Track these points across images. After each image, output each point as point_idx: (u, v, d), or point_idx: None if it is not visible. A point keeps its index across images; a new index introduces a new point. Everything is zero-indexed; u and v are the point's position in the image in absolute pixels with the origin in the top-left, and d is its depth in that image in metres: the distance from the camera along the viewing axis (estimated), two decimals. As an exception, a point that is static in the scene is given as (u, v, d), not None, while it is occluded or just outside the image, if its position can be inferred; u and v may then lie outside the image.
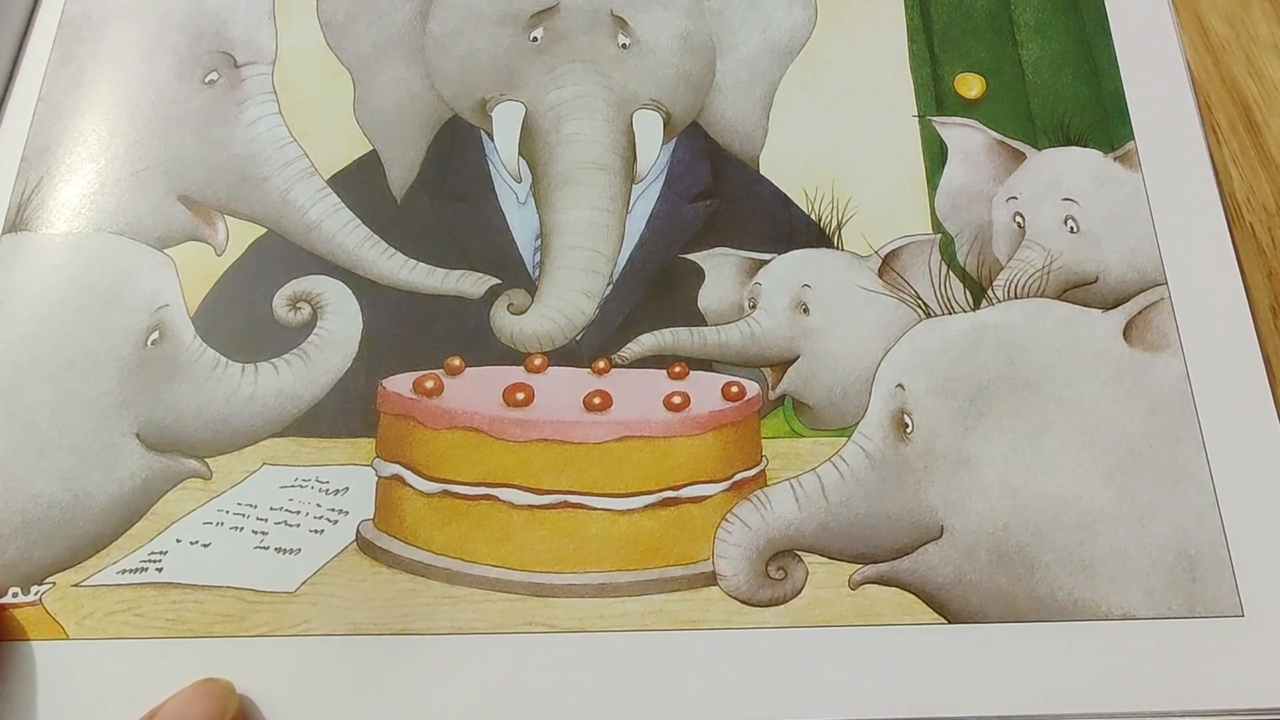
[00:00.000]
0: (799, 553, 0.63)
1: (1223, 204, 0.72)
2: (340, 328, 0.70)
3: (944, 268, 0.71)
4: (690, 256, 0.73)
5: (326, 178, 0.75)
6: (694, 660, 0.60)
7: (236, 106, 0.76)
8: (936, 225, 0.73)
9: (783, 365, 0.70)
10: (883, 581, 0.62)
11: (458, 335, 0.70)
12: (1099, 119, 0.76)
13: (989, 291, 0.70)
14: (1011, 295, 0.70)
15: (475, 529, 0.63)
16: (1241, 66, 0.77)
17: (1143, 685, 0.59)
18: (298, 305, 0.71)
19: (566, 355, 0.70)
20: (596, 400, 0.65)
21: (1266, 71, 0.77)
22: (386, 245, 0.73)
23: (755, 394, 0.68)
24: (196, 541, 0.64)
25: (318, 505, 0.65)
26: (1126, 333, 0.67)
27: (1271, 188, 0.73)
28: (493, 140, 0.76)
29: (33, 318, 0.68)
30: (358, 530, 0.64)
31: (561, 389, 0.67)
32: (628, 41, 0.77)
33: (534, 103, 0.76)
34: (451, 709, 0.59)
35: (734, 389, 0.67)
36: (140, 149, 0.75)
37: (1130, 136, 0.75)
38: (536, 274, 0.73)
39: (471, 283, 0.72)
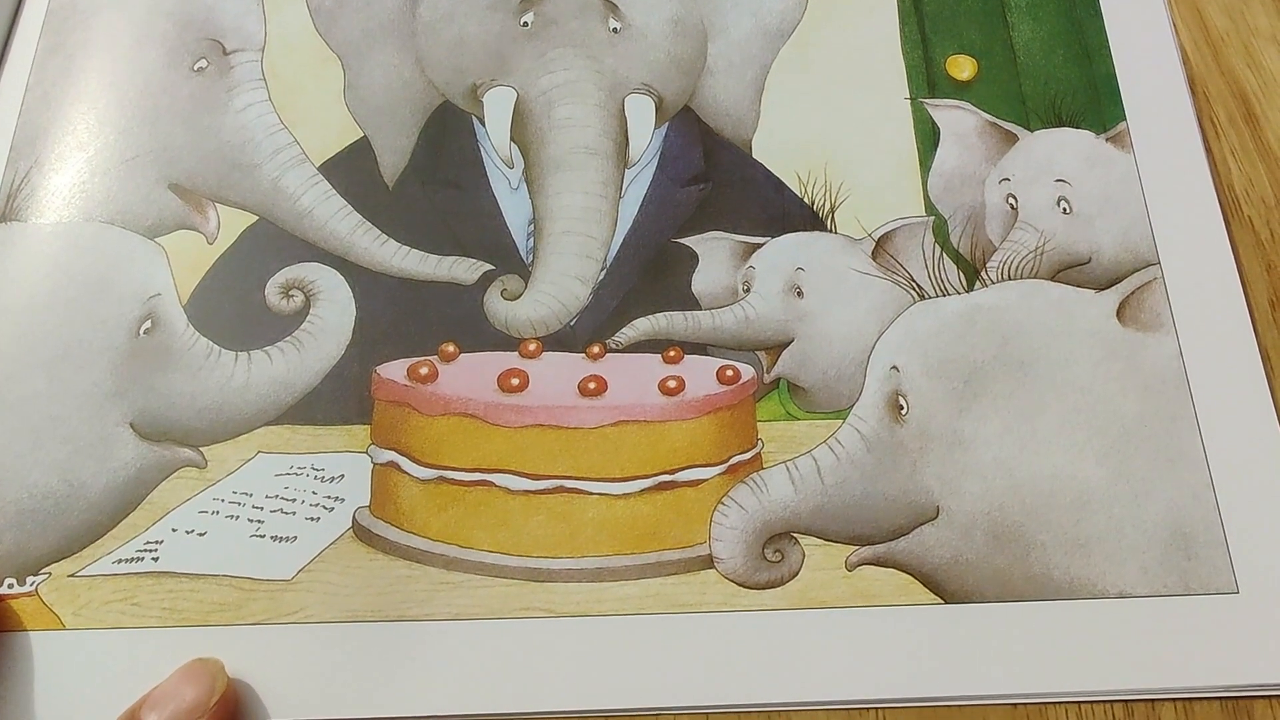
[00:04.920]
0: (795, 535, 0.63)
1: (1221, 197, 0.72)
2: (333, 315, 0.70)
3: (937, 250, 0.71)
4: (684, 240, 0.73)
5: (317, 165, 0.75)
6: (692, 643, 0.60)
7: (226, 94, 0.76)
8: (929, 207, 0.73)
9: (777, 348, 0.70)
10: (879, 563, 0.62)
11: (451, 321, 0.70)
12: (1090, 100, 0.76)
13: (982, 273, 0.71)
14: (1005, 276, 0.70)
15: (471, 515, 0.63)
16: (1241, 59, 0.77)
17: (1139, 662, 0.59)
18: (290, 293, 0.71)
19: (561, 340, 0.70)
20: (591, 385, 0.65)
21: (1266, 64, 0.77)
22: (379, 232, 0.73)
23: (750, 377, 0.68)
24: (192, 530, 0.64)
25: (313, 493, 0.65)
26: (1120, 313, 0.67)
27: (1270, 181, 0.73)
28: (484, 126, 0.76)
29: (24, 308, 0.68)
30: (354, 517, 0.64)
31: (556, 374, 0.67)
32: (619, 26, 0.77)
33: (525, 88, 0.76)
34: (450, 695, 0.58)
35: (729, 372, 0.67)
36: (130, 137, 0.74)
37: (1121, 117, 0.75)
38: (530, 259, 0.73)
39: (465, 269, 0.72)
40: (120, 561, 0.63)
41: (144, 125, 0.75)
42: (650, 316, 0.70)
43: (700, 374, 0.67)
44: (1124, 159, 0.74)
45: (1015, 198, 0.73)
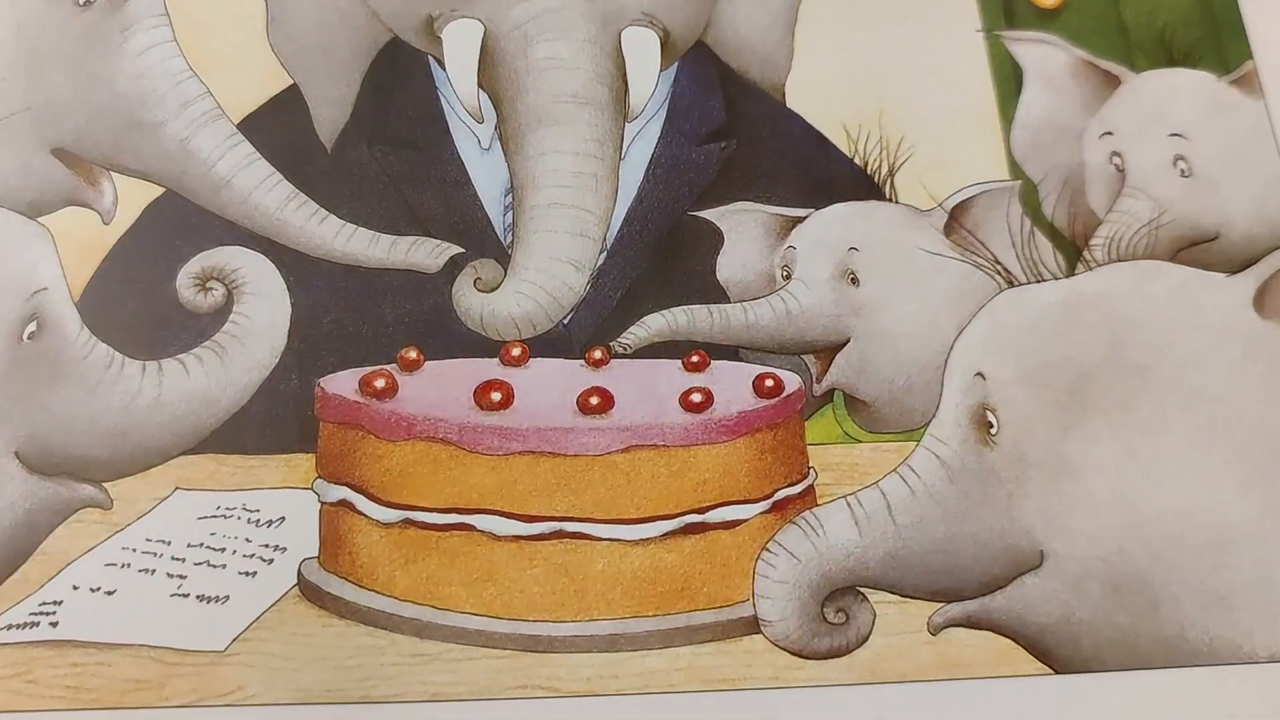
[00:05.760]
0: (863, 590, 0.57)
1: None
2: (263, 313, 0.65)
3: (1027, 223, 0.67)
4: (703, 214, 0.69)
5: (237, 121, 0.70)
6: (736, 728, 0.56)
7: (120, 33, 0.70)
8: (1014, 169, 0.70)
9: (829, 351, 0.67)
10: (970, 624, 0.57)
11: (412, 320, 0.67)
12: (1208, 32, 0.72)
13: (1085, 252, 0.67)
14: (1113, 256, 0.66)
15: (448, 567, 0.58)
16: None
17: (1299, 744, 0.55)
18: (208, 285, 0.66)
19: (552, 343, 0.66)
20: (594, 400, 0.58)
21: None
22: (317, 206, 0.68)
23: (796, 389, 0.62)
24: (98, 588, 0.59)
25: (247, 540, 0.61)
26: (1258, 301, 0.60)
27: None
28: (444, 69, 0.71)
29: (-125, 310, 0.64)
30: (299, 571, 0.60)
31: (548, 387, 0.61)
32: (609, -62, 0.72)
33: (495, 20, 0.70)
34: (428, 796, 0.55)
35: (768, 383, 0.61)
36: (1, 92, 0.69)
37: (1247, 54, 0.71)
38: (509, 239, 0.68)
39: (426, 252, 0.67)
40: (11, 628, 0.57)
41: (18, 75, 0.69)
42: (665, 312, 0.66)
43: (732, 385, 0.61)
44: (1253, 107, 0.69)
45: (1121, 156, 0.69)
